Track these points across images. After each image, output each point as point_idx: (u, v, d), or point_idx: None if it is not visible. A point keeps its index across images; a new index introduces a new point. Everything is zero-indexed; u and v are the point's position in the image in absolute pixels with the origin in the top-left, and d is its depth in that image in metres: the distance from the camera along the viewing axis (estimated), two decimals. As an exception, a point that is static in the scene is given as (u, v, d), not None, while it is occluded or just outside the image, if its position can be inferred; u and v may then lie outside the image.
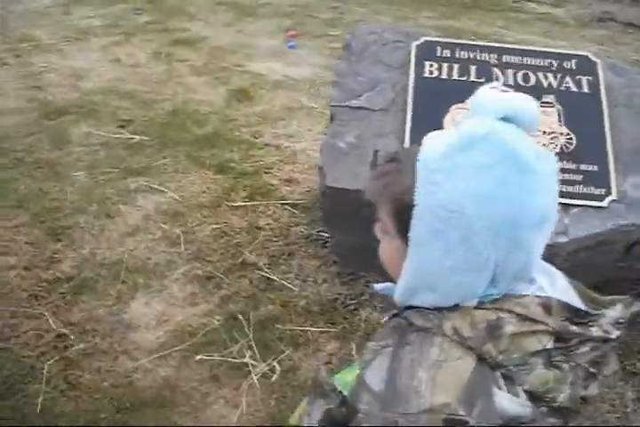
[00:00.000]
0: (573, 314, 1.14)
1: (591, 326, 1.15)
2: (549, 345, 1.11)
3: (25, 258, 3.69)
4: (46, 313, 3.32)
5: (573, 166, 3.19)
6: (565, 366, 1.13)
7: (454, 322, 1.11)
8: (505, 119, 1.08)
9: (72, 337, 3.19)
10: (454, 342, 1.10)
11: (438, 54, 3.44)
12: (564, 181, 3.12)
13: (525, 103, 1.10)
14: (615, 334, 1.17)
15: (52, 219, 3.99)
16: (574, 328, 1.13)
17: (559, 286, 1.20)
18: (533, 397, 1.11)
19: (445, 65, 3.40)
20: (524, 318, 1.10)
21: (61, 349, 3.14)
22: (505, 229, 1.05)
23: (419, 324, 1.14)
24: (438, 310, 1.14)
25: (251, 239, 3.82)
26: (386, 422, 1.07)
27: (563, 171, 3.15)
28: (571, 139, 3.25)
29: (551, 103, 3.32)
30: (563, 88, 3.37)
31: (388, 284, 1.27)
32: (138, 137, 4.82)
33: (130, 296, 3.44)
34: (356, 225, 2.50)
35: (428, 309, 1.15)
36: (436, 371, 1.07)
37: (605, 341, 1.17)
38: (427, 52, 3.45)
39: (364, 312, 3.37)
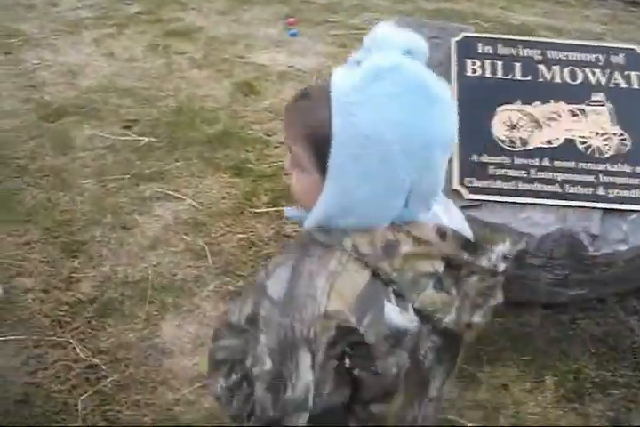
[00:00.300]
0: (465, 243, 1.19)
1: (481, 256, 1.21)
2: (440, 269, 1.17)
3: (41, 279, 3.43)
4: (72, 341, 3.08)
5: (629, 169, 2.99)
6: (453, 291, 1.19)
7: (354, 239, 1.15)
8: (406, 54, 1.12)
9: (103, 367, 2.96)
10: (352, 258, 1.15)
11: (480, 51, 3.20)
12: (619, 186, 2.91)
13: (421, 41, 1.15)
14: (502, 267, 1.24)
15: (65, 233, 3.72)
16: (466, 256, 1.18)
17: (453, 215, 1.30)
18: (421, 315, 1.17)
19: (488, 62, 3.16)
20: (419, 241, 1.15)
21: (94, 381, 2.90)
22: (419, 151, 1.10)
23: (321, 240, 1.19)
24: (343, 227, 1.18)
25: (279, 249, 3.57)
26: (283, 327, 1.13)
27: (617, 174, 2.93)
28: (625, 139, 3.03)
29: (601, 102, 3.10)
30: (612, 85, 3.16)
31: (302, 211, 1.28)
32: (145, 138, 4.55)
33: (159, 318, 3.20)
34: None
35: None
36: (334, 280, 1.13)
37: (493, 274, 1.23)
38: (467, 48, 3.21)
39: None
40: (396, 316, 1.15)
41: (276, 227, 3.74)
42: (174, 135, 4.58)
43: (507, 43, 3.23)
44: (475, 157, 2.99)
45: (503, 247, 1.26)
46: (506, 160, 2.99)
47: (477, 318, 1.26)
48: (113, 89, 5.28)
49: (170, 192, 4.00)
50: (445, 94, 1.15)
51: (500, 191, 2.93)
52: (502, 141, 3.03)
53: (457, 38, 3.23)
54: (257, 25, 6.52)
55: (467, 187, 2.93)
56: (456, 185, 2.93)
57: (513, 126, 3.03)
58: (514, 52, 3.20)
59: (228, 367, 1.37)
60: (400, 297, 1.16)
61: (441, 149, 1.14)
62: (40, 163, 4.35)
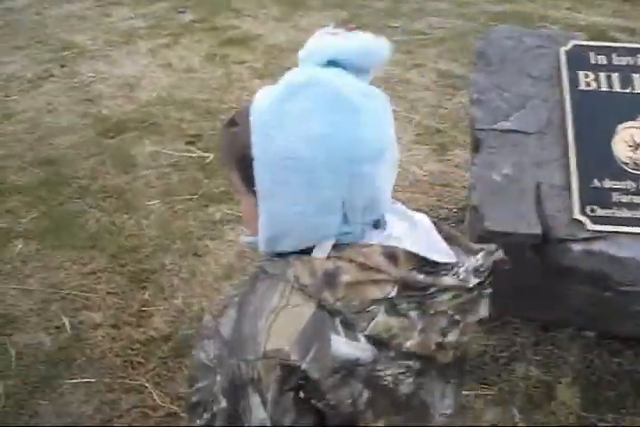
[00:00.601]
0: (423, 263, 1.13)
1: (445, 274, 1.15)
2: (392, 294, 1.10)
3: (110, 313, 3.13)
4: (147, 385, 2.77)
5: None
6: (413, 313, 1.13)
7: (296, 269, 1.12)
8: (331, 63, 1.09)
9: (184, 416, 2.62)
10: (295, 289, 1.11)
11: (593, 61, 2.82)
12: None
13: (347, 44, 1.10)
14: (473, 282, 1.17)
15: (132, 261, 3.42)
16: (421, 277, 1.12)
17: (419, 233, 1.20)
18: (377, 342, 1.11)
19: (603, 75, 2.79)
20: (364, 268, 1.10)
21: (175, 433, 2.58)
22: (343, 165, 1.06)
23: (269, 271, 1.16)
24: (284, 256, 1.15)
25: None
26: (231, 367, 1.11)
27: None
28: None
29: None
30: None
31: (253, 238, 1.23)
32: (211, 155, 4.23)
33: (241, 358, 2.86)
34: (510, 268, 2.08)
35: (288, 253, 1.15)
36: (275, 317, 1.10)
37: (468, 289, 1.16)
38: (578, 59, 2.83)
39: (520, 367, 2.79)
40: (345, 347, 1.10)
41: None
42: (241, 151, 4.25)
43: (622, 51, 2.84)
44: (596, 182, 2.62)
45: (474, 261, 1.20)
46: (631, 185, 2.61)
47: (452, 337, 1.19)
48: (172, 101, 4.98)
49: (241, 214, 3.66)
50: (369, 102, 1.09)
51: (626, 221, 2.56)
52: (625, 164, 2.65)
53: (566, 48, 2.86)
54: (315, 31, 6.16)
55: (588, 216, 2.56)
56: (577, 214, 2.56)
57: (637, 146, 2.66)
58: (631, 61, 2.82)
59: (202, 408, 1.27)
60: (348, 327, 1.11)
61: (371, 161, 1.09)
62: (101, 182, 4.06)
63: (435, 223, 1.27)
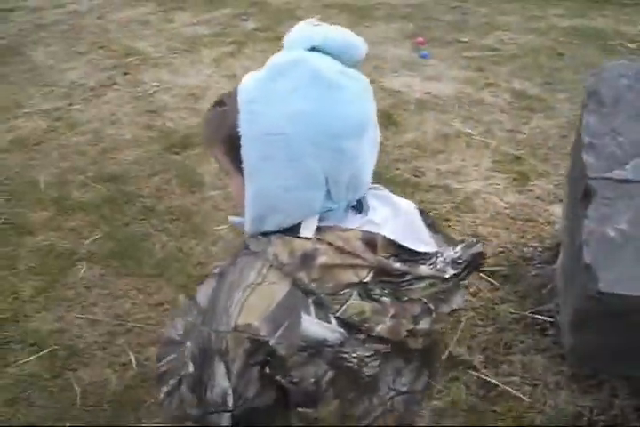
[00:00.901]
0: (400, 251, 1.15)
1: (422, 263, 1.17)
2: (367, 279, 1.12)
3: (180, 350, 2.88)
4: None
5: None
6: (386, 299, 1.15)
7: (276, 248, 1.14)
8: (314, 50, 1.12)
9: None
10: (273, 267, 1.14)
11: None
12: None
13: (332, 34, 1.14)
14: (450, 272, 1.19)
15: (202, 292, 3.17)
16: (398, 265, 1.14)
17: (400, 220, 1.23)
18: (348, 325, 1.13)
19: None
20: (342, 251, 1.12)
21: None
22: (326, 140, 1.09)
23: (252, 248, 1.18)
24: (268, 235, 1.16)
25: (451, 324, 2.97)
26: (202, 335, 1.15)
27: None
28: None
29: None
30: None
31: (240, 219, 1.26)
32: (281, 178, 3.97)
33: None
34: (615, 328, 2.27)
35: (273, 232, 1.16)
36: (250, 292, 1.12)
37: (444, 279, 1.18)
38: None
39: (623, 435, 2.52)
40: (314, 327, 1.12)
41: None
42: (312, 174, 4.00)
43: None
44: None
45: (452, 252, 1.23)
46: None
47: (424, 325, 1.21)
48: (238, 116, 4.73)
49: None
50: (349, 81, 1.12)
51: None
52: None
53: None
54: (383, 44, 5.92)
55: None
56: None
57: None
58: None
59: (168, 375, 1.30)
60: (321, 308, 1.13)
61: (353, 137, 1.11)
62: (167, 203, 3.84)
63: (421, 211, 1.32)
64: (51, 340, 2.97)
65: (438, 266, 1.20)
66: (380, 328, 1.16)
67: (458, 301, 1.27)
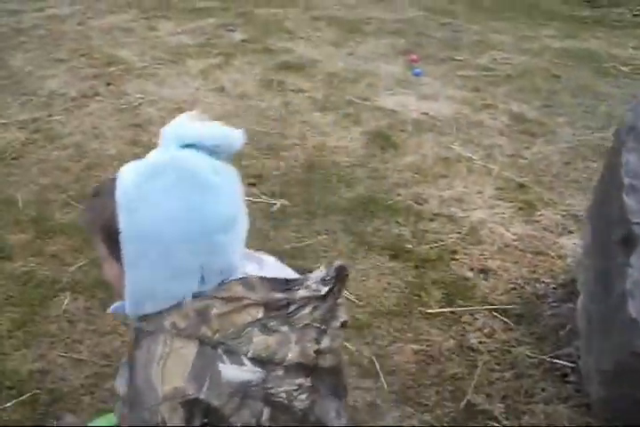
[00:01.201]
0: (277, 284, 1.26)
1: (298, 289, 1.27)
2: (260, 315, 1.22)
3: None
4: None
5: None
6: (285, 328, 1.24)
7: (171, 318, 1.22)
8: (188, 146, 1.20)
9: None
10: (176, 335, 1.21)
11: None
12: None
13: (207, 132, 1.21)
14: (324, 290, 1.28)
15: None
16: (279, 295, 1.25)
17: (269, 268, 1.37)
18: (261, 362, 1.21)
19: None
20: (229, 300, 1.21)
21: None
22: (199, 237, 1.19)
23: (147, 329, 1.26)
24: (159, 312, 1.24)
25: (467, 369, 2.75)
26: (134, 421, 1.19)
27: None
28: None
29: None
30: None
31: (119, 303, 1.34)
32: (278, 202, 3.73)
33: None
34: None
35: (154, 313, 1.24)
36: (164, 363, 1.19)
37: (322, 298, 1.27)
38: None
39: None
40: (234, 372, 1.19)
41: (456, 335, 2.90)
42: (310, 199, 3.76)
43: None
44: None
45: (319, 273, 1.31)
46: None
47: (326, 343, 1.28)
48: (229, 133, 4.45)
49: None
50: (221, 180, 1.21)
51: None
52: None
53: None
54: (375, 60, 5.70)
55: None
56: None
57: None
58: None
59: None
60: (232, 354, 1.20)
61: (225, 231, 1.22)
62: (157, 227, 3.54)
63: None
64: (32, 382, 2.66)
65: (312, 287, 1.28)
66: (291, 356, 1.24)
67: (342, 315, 1.34)
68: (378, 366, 2.74)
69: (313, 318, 1.28)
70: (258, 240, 3.37)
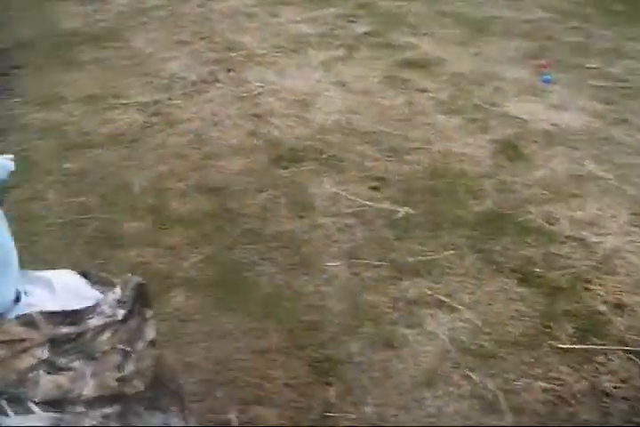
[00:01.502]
0: (63, 316, 1.19)
1: (90, 318, 1.21)
2: (45, 355, 1.15)
3: (288, 414, 2.48)
4: None
5: None
6: (77, 363, 1.17)
7: None
8: None
9: None
10: None
11: None
12: None
13: None
14: (121, 314, 1.23)
15: (313, 342, 2.78)
16: (66, 330, 1.18)
17: (58, 290, 1.30)
18: (55, 404, 1.13)
19: None
20: (7, 343, 1.12)
21: None
22: None
23: None
24: None
25: (598, 413, 2.51)
26: None
27: None
28: None
29: None
30: None
31: None
32: (402, 210, 3.54)
33: None
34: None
35: None
36: None
37: (122, 321, 1.23)
38: None
39: None
40: (22, 422, 1.10)
41: (588, 375, 2.67)
42: (435, 209, 3.56)
43: None
44: None
45: (113, 295, 1.26)
46: None
47: (130, 368, 1.22)
48: (350, 130, 4.32)
49: (442, 297, 2.97)
50: None
51: None
52: None
53: None
54: (502, 63, 5.42)
55: None
56: None
57: None
58: None
59: None
60: (18, 402, 1.12)
61: None
62: (275, 227, 3.43)
63: (83, 273, 1.39)
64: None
65: (107, 313, 1.23)
66: (87, 391, 1.17)
67: (149, 333, 1.29)
68: (503, 401, 2.53)
69: (114, 341, 1.23)
70: (380, 249, 3.24)
